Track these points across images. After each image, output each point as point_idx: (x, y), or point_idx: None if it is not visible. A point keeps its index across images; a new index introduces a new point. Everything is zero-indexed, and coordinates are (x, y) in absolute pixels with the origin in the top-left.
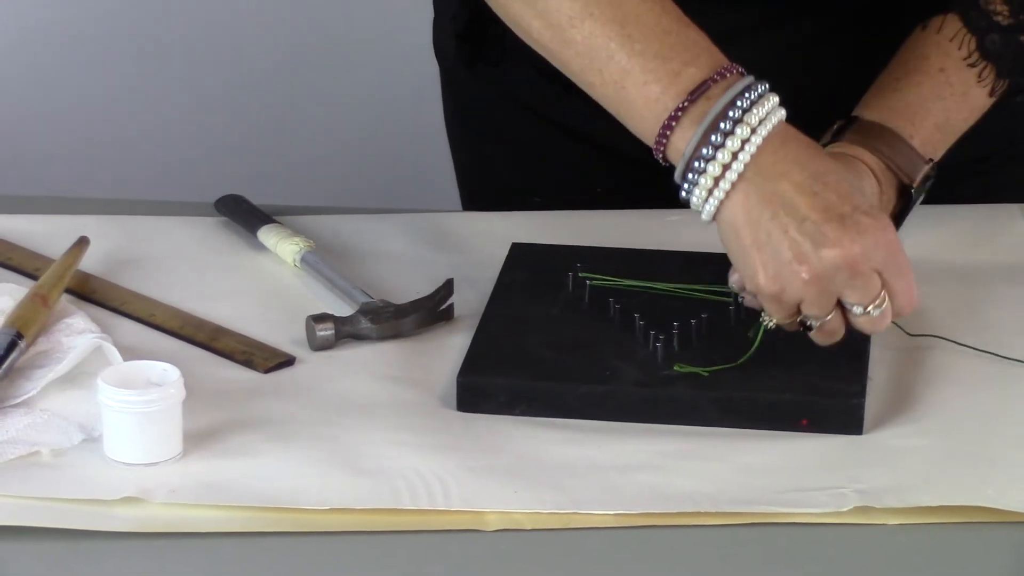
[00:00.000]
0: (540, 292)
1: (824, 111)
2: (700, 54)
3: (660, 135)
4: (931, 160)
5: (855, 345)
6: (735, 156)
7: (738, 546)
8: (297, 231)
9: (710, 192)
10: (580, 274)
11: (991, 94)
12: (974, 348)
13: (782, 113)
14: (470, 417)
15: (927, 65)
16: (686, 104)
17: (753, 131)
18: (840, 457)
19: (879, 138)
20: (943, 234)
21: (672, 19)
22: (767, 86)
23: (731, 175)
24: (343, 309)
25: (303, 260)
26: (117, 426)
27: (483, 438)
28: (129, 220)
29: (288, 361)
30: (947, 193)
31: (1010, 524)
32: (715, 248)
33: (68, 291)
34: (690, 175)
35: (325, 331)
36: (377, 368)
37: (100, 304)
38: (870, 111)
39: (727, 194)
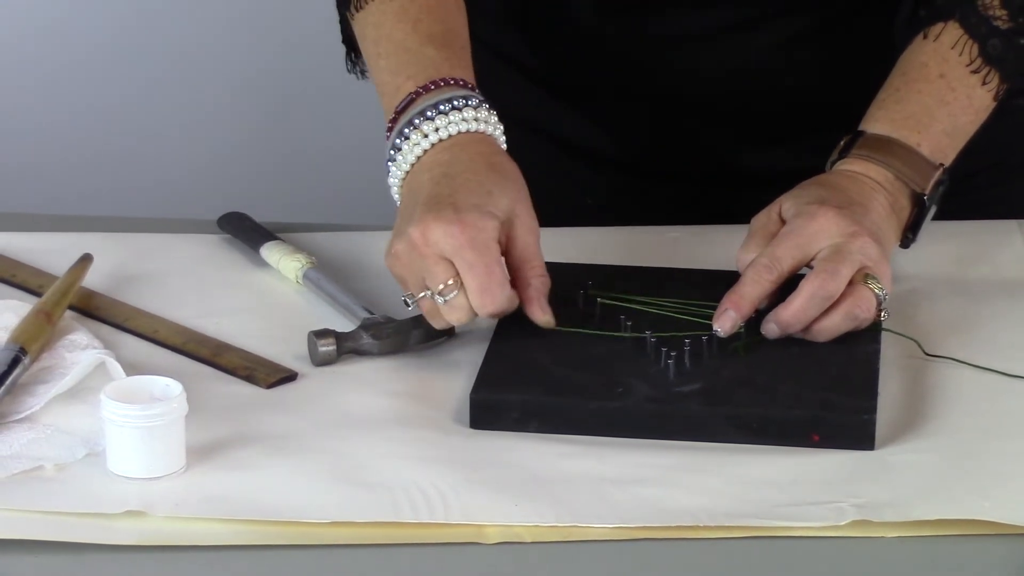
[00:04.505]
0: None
1: (807, 111)
2: (425, 70)
3: (386, 137)
4: (941, 165)
5: (866, 361)
6: (406, 156)
7: (736, 560)
8: (299, 248)
9: (394, 184)
10: (590, 292)
11: (995, 98)
12: (985, 368)
13: (471, 125)
14: (470, 431)
15: (927, 72)
16: (395, 115)
17: (425, 136)
18: (839, 472)
19: (885, 150)
20: (943, 250)
21: (419, 38)
22: (471, 100)
23: (400, 171)
24: (345, 325)
25: (305, 276)
26: (120, 441)
27: (483, 452)
28: (132, 237)
29: (290, 376)
30: (937, 210)
31: (1008, 537)
32: (719, 264)
33: (72, 308)
34: (387, 172)
35: (327, 347)
36: (379, 383)
37: (103, 320)
38: (874, 124)
39: (398, 186)
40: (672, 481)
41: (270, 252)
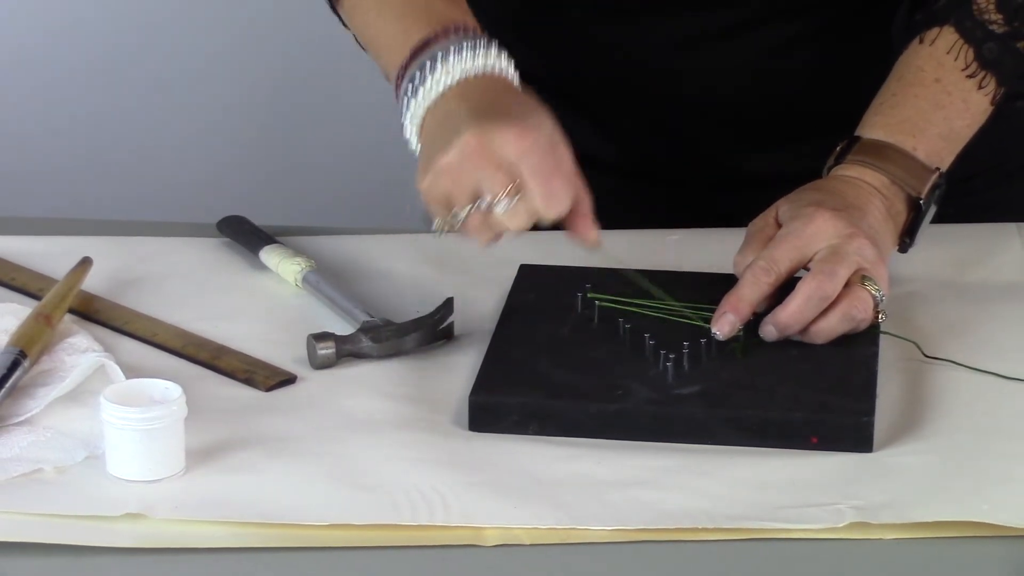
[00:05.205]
0: (549, 313)
1: (806, 114)
2: (433, 18)
3: (396, 84)
4: (938, 169)
5: (864, 363)
6: (429, 91)
7: (735, 562)
8: (299, 251)
9: (413, 121)
10: (589, 295)
11: (992, 102)
12: (983, 371)
13: (493, 64)
14: (469, 434)
15: (923, 77)
16: (410, 57)
17: (449, 72)
18: (837, 474)
19: (880, 155)
20: (942, 253)
21: None
22: (485, 42)
23: (422, 107)
24: (344, 328)
25: (305, 280)
26: (120, 443)
27: (483, 454)
28: (132, 241)
29: (289, 379)
30: (935, 214)
31: (1007, 539)
32: (717, 267)
33: (71, 311)
34: (403, 110)
35: (326, 349)
36: (378, 386)
37: (103, 324)
38: (870, 129)
39: (421, 119)
40: (671, 483)
41: (269, 255)
